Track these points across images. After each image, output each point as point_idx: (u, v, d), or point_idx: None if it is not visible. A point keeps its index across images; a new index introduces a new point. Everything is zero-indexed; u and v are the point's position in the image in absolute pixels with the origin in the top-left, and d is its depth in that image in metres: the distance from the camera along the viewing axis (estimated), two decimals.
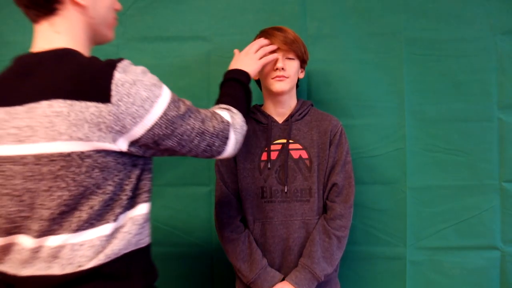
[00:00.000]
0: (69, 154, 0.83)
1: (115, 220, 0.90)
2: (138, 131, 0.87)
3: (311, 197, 1.41)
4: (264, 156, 1.42)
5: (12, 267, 0.91)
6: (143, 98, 0.86)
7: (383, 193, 1.65)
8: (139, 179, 0.93)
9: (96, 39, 1.00)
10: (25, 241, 0.90)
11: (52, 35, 0.91)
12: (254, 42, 1.37)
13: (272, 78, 1.39)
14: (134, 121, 0.85)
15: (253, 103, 1.55)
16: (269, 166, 1.41)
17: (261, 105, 1.52)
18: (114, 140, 0.85)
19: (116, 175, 0.88)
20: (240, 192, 1.44)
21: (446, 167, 1.64)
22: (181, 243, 1.69)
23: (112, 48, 1.67)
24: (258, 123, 1.46)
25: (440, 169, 1.64)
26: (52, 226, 0.87)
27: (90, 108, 0.82)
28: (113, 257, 0.89)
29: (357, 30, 1.66)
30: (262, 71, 1.42)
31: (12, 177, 0.86)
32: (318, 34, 1.67)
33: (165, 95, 0.91)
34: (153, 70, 1.74)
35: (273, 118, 1.46)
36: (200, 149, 0.98)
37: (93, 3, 0.94)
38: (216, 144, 0.99)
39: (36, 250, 0.89)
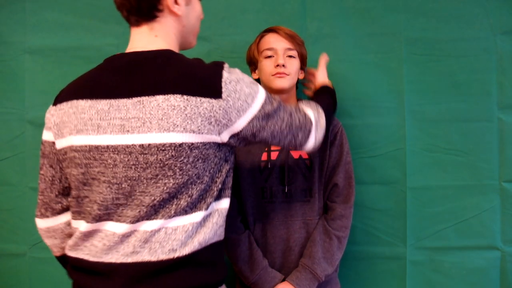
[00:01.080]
0: (181, 145, 0.91)
1: (206, 209, 0.97)
2: (240, 123, 0.95)
3: (312, 197, 1.41)
4: (264, 156, 1.42)
5: (91, 254, 0.97)
6: (246, 94, 0.96)
7: (383, 193, 1.65)
8: (226, 174, 1.01)
9: (182, 45, 1.09)
10: (114, 227, 0.96)
11: (151, 38, 1.01)
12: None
13: (273, 75, 1.39)
14: (239, 114, 0.95)
15: None
16: (269, 166, 1.41)
17: None
18: (219, 133, 0.94)
19: (213, 168, 0.96)
20: (240, 192, 1.44)
21: (446, 167, 1.64)
22: None
23: (112, 48, 1.67)
24: None
25: (440, 169, 1.64)
26: (151, 212, 0.93)
27: (204, 104, 0.91)
28: (204, 245, 0.96)
29: (357, 30, 1.66)
30: (262, 68, 1.42)
31: (114, 165, 0.93)
32: (318, 34, 1.67)
33: (262, 91, 1.01)
34: None
35: None
36: (287, 140, 1.04)
37: (186, 13, 1.04)
38: (300, 136, 1.06)
39: (127, 235, 0.95)
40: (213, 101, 0.92)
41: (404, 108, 1.64)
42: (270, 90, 1.43)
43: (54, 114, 1.02)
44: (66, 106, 0.99)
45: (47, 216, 1.09)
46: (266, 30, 1.46)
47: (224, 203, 1.02)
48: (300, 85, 1.57)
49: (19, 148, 1.70)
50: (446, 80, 1.64)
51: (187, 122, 0.90)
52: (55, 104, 1.03)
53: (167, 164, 0.91)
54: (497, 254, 1.63)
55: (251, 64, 1.50)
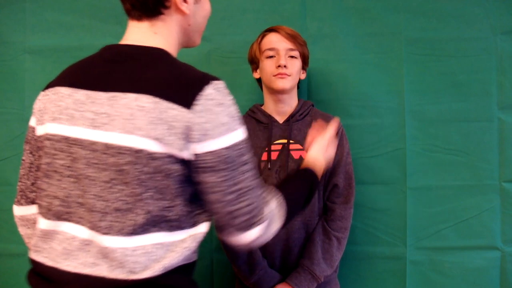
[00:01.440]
0: (140, 151, 0.82)
1: (173, 231, 0.87)
2: (199, 148, 0.84)
3: None
4: (264, 156, 1.42)
5: (50, 257, 0.90)
6: (222, 122, 0.85)
7: (383, 193, 1.65)
8: (199, 197, 0.89)
9: (185, 43, 1.04)
10: (74, 230, 0.89)
11: (150, 34, 0.94)
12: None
13: (274, 76, 1.39)
14: (203, 138, 0.83)
15: (253, 102, 1.55)
16: (269, 166, 1.40)
17: (262, 105, 1.51)
18: (181, 149, 0.83)
19: (180, 187, 0.86)
20: None
21: (446, 167, 1.64)
22: None
23: None
24: (258, 122, 1.46)
25: (440, 169, 1.64)
26: (104, 220, 0.85)
27: (172, 110, 0.82)
28: (169, 268, 0.87)
29: (357, 30, 1.66)
30: (264, 68, 1.42)
31: (78, 160, 0.87)
32: (318, 34, 1.67)
33: (241, 134, 0.88)
34: None
35: (273, 117, 1.46)
36: (223, 210, 0.87)
37: (194, 12, 0.98)
38: (240, 220, 0.87)
39: (87, 243, 0.88)
40: (184, 110, 0.82)
41: (404, 108, 1.64)
42: (271, 91, 1.43)
43: (40, 99, 0.96)
44: (50, 92, 0.94)
45: (21, 204, 1.05)
46: (267, 29, 1.46)
47: (201, 228, 0.90)
48: (301, 84, 1.57)
49: (19, 148, 1.69)
50: (446, 80, 1.64)
51: (151, 127, 0.82)
52: (44, 89, 0.98)
53: (124, 169, 0.83)
54: (497, 254, 1.63)
55: (253, 63, 1.50)
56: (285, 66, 1.38)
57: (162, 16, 0.94)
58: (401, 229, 1.64)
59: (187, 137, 0.83)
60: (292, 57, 1.41)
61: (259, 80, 1.50)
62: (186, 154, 0.84)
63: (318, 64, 1.65)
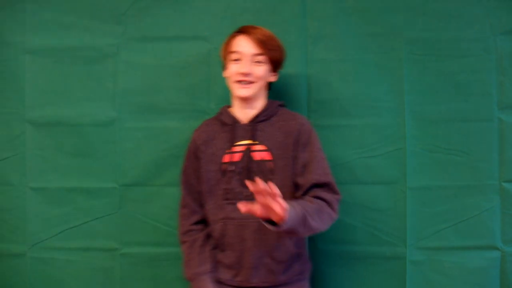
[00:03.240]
0: None
1: None
2: None
3: None
4: (227, 158, 1.40)
5: None
6: None
7: (383, 193, 1.65)
8: None
9: None
10: None
11: None
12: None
13: (237, 81, 1.38)
14: None
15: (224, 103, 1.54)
16: (231, 168, 1.39)
17: (229, 106, 1.49)
18: None
19: None
20: (203, 193, 1.44)
21: (446, 167, 1.64)
22: None
23: (112, 48, 1.67)
24: (223, 124, 1.45)
25: (440, 169, 1.64)
26: None
27: None
28: None
29: (357, 30, 1.66)
30: (229, 71, 1.41)
31: None
32: (318, 34, 1.66)
33: None
34: (153, 70, 1.75)
35: (237, 119, 1.44)
36: None
37: None
38: None
39: None
40: None
41: (404, 108, 1.64)
42: (234, 97, 1.43)
43: None
44: None
45: None
46: (239, 29, 1.42)
47: None
48: (301, 84, 1.56)
49: (19, 148, 1.70)
50: (446, 80, 1.64)
51: None
52: None
53: None
54: (497, 254, 1.63)
55: (224, 61, 1.47)
56: (249, 74, 1.36)
57: None
58: (401, 229, 1.64)
59: None
60: (257, 62, 1.38)
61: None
62: None
63: (318, 64, 1.65)
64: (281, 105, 1.48)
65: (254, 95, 1.41)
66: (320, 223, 1.29)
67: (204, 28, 1.69)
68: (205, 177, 1.42)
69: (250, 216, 1.26)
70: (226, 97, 1.52)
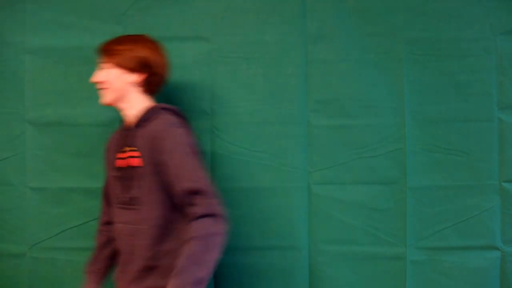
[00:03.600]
0: None
1: None
2: None
3: (142, 205, 1.33)
4: (117, 163, 1.42)
5: None
6: None
7: (383, 193, 1.65)
8: None
9: None
10: None
11: None
12: None
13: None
14: None
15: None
16: (118, 173, 1.41)
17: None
18: None
19: None
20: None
21: (446, 167, 1.64)
22: None
23: None
24: (120, 129, 1.49)
25: (440, 169, 1.64)
26: None
27: None
28: None
29: (357, 30, 1.66)
30: None
31: None
32: (318, 34, 1.67)
33: None
34: None
35: (126, 124, 1.44)
36: None
37: None
38: None
39: None
40: None
41: (404, 108, 1.64)
42: None
43: None
44: None
45: None
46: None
47: None
48: (301, 84, 1.56)
49: (19, 148, 1.70)
50: (446, 80, 1.64)
51: None
52: None
53: None
54: (497, 254, 1.63)
55: None
56: (98, 82, 1.40)
57: None
58: (401, 229, 1.64)
59: None
60: (103, 68, 1.41)
61: None
62: None
63: (318, 64, 1.65)
64: (164, 109, 1.41)
65: (117, 99, 1.41)
66: (212, 254, 1.24)
67: (204, 28, 1.69)
68: (107, 180, 1.50)
69: (124, 221, 1.36)
70: (226, 97, 1.52)
